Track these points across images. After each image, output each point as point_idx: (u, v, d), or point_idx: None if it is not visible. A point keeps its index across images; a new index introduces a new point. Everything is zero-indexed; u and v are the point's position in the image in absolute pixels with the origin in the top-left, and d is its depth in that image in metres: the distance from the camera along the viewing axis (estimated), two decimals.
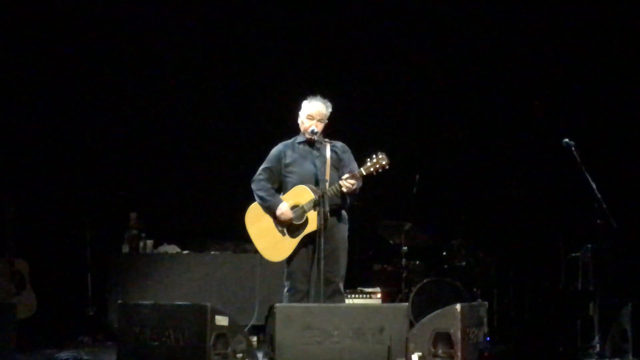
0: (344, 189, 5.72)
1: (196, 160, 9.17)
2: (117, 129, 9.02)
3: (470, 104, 9.34)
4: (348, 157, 6.03)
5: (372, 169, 5.73)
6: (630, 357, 5.68)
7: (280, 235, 5.93)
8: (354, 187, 5.74)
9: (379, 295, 8.28)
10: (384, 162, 5.71)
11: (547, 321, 8.02)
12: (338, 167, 5.95)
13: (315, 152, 5.97)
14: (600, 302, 6.76)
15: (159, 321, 5.22)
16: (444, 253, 8.59)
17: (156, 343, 5.21)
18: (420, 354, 5.20)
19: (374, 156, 5.73)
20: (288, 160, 6.02)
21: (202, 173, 9.14)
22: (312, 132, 5.92)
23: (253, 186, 6.03)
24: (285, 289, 5.96)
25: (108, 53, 8.90)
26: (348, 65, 9.26)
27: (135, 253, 8.27)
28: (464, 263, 8.48)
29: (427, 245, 8.60)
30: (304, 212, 5.83)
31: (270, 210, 5.93)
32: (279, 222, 5.92)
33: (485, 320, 5.65)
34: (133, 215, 8.38)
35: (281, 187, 6.05)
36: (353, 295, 8.16)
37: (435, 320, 5.32)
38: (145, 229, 8.39)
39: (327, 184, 5.70)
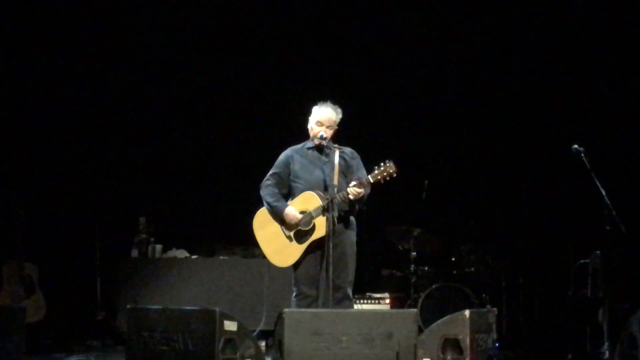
0: (351, 197, 5.71)
1: (205, 165, 9.19)
2: (126, 133, 9.04)
3: (479, 110, 9.33)
4: (357, 163, 6.02)
5: (379, 177, 5.72)
6: None
7: (287, 240, 5.94)
8: (361, 194, 5.73)
9: (387, 301, 8.27)
10: (391, 170, 5.70)
11: (556, 327, 8.01)
12: (346, 173, 5.95)
13: (323, 158, 5.97)
14: (609, 309, 6.74)
15: (168, 326, 5.23)
16: (453, 259, 8.57)
17: (165, 347, 5.21)
18: (428, 359, 5.20)
19: (382, 164, 5.73)
20: (296, 166, 6.03)
21: (211, 178, 9.15)
22: (321, 137, 5.93)
23: (261, 191, 6.04)
24: (294, 294, 5.97)
25: (117, 57, 8.92)
26: (358, 70, 9.27)
27: (144, 258, 8.29)
28: (473, 269, 8.47)
29: (436, 250, 8.59)
30: (312, 218, 5.83)
31: (276, 214, 5.94)
32: (286, 225, 5.93)
33: (494, 326, 5.64)
34: (142, 219, 8.41)
35: (290, 193, 6.06)
36: (362, 301, 8.15)
37: (444, 326, 5.31)
38: (154, 233, 8.42)
39: (336, 190, 5.70)
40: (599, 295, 6.87)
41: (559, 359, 7.14)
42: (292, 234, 5.92)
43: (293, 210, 5.88)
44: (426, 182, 8.54)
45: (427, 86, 9.35)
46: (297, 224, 5.88)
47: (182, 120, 9.23)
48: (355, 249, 6.01)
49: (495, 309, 5.82)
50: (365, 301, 8.22)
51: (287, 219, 5.88)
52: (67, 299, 8.24)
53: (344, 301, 5.85)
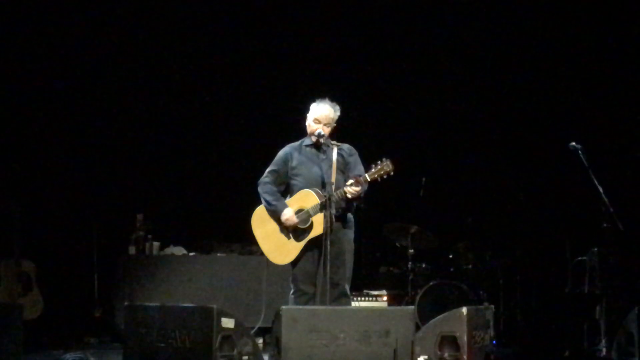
0: (349, 195, 5.71)
1: (203, 162, 9.19)
2: (123, 130, 9.04)
3: (476, 107, 9.34)
4: (354, 160, 6.02)
5: (376, 175, 5.72)
6: None
7: (285, 238, 5.94)
8: (359, 192, 5.73)
9: (385, 298, 8.27)
10: (388, 169, 5.70)
11: (554, 324, 8.01)
12: (344, 170, 5.95)
13: (321, 155, 5.97)
14: (606, 306, 6.76)
15: (165, 323, 5.23)
16: (451, 256, 8.58)
17: (162, 345, 5.21)
18: (426, 357, 5.21)
19: (379, 162, 5.73)
20: (294, 163, 6.03)
21: (209, 175, 9.15)
22: (319, 135, 5.93)
23: (259, 189, 6.04)
24: (291, 292, 5.97)
25: (114, 55, 8.91)
26: (355, 68, 9.26)
27: (142, 255, 8.28)
28: (470, 266, 8.48)
29: (433, 248, 8.59)
30: (309, 216, 5.83)
31: (274, 214, 5.94)
32: (283, 226, 5.93)
33: (491, 323, 5.65)
34: (140, 216, 8.39)
35: (287, 190, 6.06)
36: (359, 298, 8.15)
37: (441, 323, 5.32)
38: (152, 230, 8.41)
39: (333, 187, 5.70)
40: (597, 292, 6.89)
41: (556, 356, 7.15)
42: (290, 231, 5.92)
43: (291, 212, 5.87)
44: (424, 179, 8.56)
45: (424, 83, 9.35)
46: (294, 226, 5.88)
47: (180, 118, 9.22)
48: (353, 246, 6.01)
49: (492, 306, 5.84)
50: (363, 298, 8.21)
51: (283, 219, 5.88)
52: (65, 296, 8.23)
53: (341, 298, 5.84)
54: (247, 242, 8.00)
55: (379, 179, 5.74)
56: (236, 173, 8.70)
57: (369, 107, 9.20)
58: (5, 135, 8.37)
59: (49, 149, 8.69)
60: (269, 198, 5.98)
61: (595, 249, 6.92)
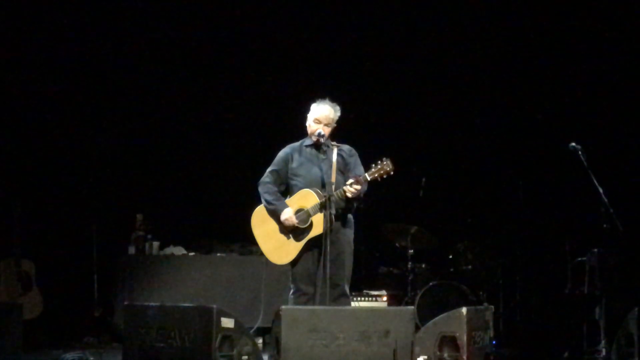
0: (349, 194, 5.71)
1: (202, 161, 9.18)
2: (123, 130, 9.04)
3: (476, 108, 9.33)
4: (354, 160, 6.03)
5: (376, 175, 5.73)
6: None
7: (285, 238, 5.94)
8: (359, 191, 5.73)
9: (384, 298, 8.27)
10: (388, 168, 5.71)
11: (553, 325, 8.01)
12: (344, 170, 5.95)
13: (321, 156, 5.97)
14: (606, 307, 6.75)
15: (165, 322, 5.24)
16: (450, 256, 8.58)
17: (162, 344, 5.22)
18: (425, 357, 5.21)
19: (379, 162, 5.73)
20: (294, 164, 6.03)
21: (209, 174, 9.15)
22: (319, 135, 5.93)
23: (259, 189, 6.05)
24: (291, 292, 5.97)
25: (113, 55, 8.91)
26: (355, 68, 9.26)
27: (142, 254, 8.28)
28: (470, 266, 8.47)
29: (433, 248, 8.59)
30: (309, 216, 5.83)
31: (274, 214, 5.95)
32: (283, 226, 5.93)
33: (491, 324, 5.65)
34: (139, 216, 8.39)
35: (288, 190, 6.06)
36: (359, 298, 8.15)
37: (441, 323, 5.32)
38: (152, 230, 8.40)
39: (333, 187, 5.70)
40: (596, 293, 6.88)
41: (555, 356, 7.15)
42: (289, 231, 5.92)
43: (290, 212, 5.87)
44: (423, 179, 8.55)
45: (424, 83, 9.35)
46: (293, 226, 5.89)
47: (180, 117, 9.22)
48: (352, 246, 6.01)
49: (492, 307, 5.84)
50: (363, 298, 8.21)
51: (282, 219, 5.89)
52: (64, 295, 8.24)
53: (341, 298, 5.85)
54: (247, 242, 8.01)
55: (379, 179, 5.74)
56: (236, 173, 8.70)
57: (369, 107, 9.19)
58: (6, 134, 8.38)
59: (49, 148, 8.68)
60: (269, 198, 5.98)
61: (595, 250, 6.91)
